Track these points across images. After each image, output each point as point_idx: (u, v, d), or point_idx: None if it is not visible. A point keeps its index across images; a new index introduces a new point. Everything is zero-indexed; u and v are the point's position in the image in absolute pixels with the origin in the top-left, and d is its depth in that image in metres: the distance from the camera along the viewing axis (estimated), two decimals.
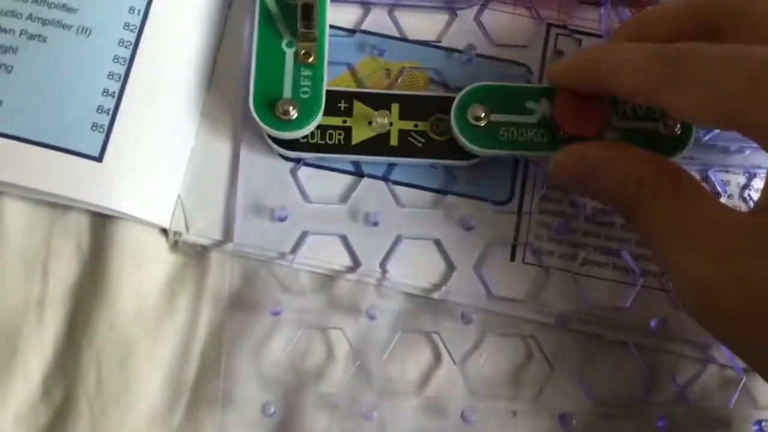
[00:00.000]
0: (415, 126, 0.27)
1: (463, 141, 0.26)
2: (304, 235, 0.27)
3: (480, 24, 0.29)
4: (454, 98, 0.26)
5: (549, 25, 0.29)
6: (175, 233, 0.27)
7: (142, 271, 0.27)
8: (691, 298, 0.21)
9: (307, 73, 0.26)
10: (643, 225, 0.22)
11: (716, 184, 0.28)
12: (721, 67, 0.20)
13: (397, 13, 0.29)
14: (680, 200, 0.22)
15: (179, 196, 0.27)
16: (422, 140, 0.27)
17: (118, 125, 0.26)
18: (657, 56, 0.22)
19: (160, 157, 0.27)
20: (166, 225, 0.27)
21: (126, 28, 0.27)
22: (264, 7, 0.27)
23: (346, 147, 0.26)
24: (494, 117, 0.26)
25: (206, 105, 0.28)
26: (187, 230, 0.27)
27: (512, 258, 0.27)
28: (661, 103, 0.22)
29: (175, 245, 0.27)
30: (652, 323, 0.26)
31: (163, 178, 0.27)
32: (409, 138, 0.27)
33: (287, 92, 0.26)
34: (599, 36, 0.29)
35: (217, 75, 0.28)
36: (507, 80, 0.28)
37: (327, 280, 0.27)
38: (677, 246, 0.21)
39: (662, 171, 0.23)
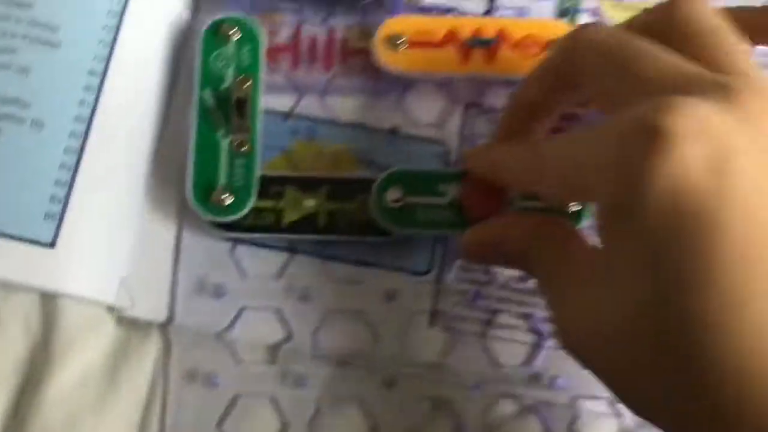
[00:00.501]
0: (342, 207, 0.29)
1: (382, 221, 0.28)
2: (241, 311, 0.29)
3: (402, 107, 0.31)
4: (375, 180, 0.29)
5: (466, 105, 0.32)
6: (120, 310, 0.29)
7: (88, 347, 0.29)
8: (559, 333, 0.23)
9: (241, 161, 0.29)
10: (537, 278, 0.25)
11: None
12: (565, 156, 0.23)
13: (328, 98, 0.31)
14: (560, 253, 0.24)
15: (125, 276, 0.29)
16: (347, 220, 0.29)
17: (70, 213, 0.29)
18: (521, 157, 0.25)
19: (108, 240, 0.29)
20: (112, 302, 0.29)
21: (77, 120, 0.29)
22: (202, 101, 0.29)
23: (277, 227, 0.29)
24: (410, 199, 0.28)
25: (150, 190, 0.30)
26: (132, 307, 0.29)
27: (431, 324, 0.30)
28: (535, 192, 0.26)
29: (120, 321, 0.29)
30: (559, 382, 0.29)
31: (111, 259, 0.29)
32: (336, 218, 0.29)
33: (222, 180, 0.28)
34: None
35: (160, 163, 0.31)
36: (427, 158, 0.31)
37: (263, 351, 0.29)
38: (556, 289, 0.24)
39: (546, 229, 0.25)
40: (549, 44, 0.30)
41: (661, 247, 0.19)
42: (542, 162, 0.24)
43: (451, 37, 0.30)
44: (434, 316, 0.29)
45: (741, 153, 0.20)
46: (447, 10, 0.32)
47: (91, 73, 0.30)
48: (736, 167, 0.19)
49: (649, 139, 0.19)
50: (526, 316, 0.30)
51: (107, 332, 0.29)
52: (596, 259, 0.23)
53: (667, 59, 0.22)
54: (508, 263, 0.27)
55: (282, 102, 0.31)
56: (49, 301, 0.29)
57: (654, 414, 0.21)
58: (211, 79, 0.29)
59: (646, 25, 0.24)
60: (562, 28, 0.31)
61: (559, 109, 0.27)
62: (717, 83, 0.21)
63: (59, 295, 0.29)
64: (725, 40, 0.23)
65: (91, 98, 0.30)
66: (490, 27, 0.31)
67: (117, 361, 0.29)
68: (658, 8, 0.24)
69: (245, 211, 0.28)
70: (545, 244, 0.25)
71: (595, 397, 0.29)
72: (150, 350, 0.29)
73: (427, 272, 0.30)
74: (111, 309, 0.29)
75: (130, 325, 0.29)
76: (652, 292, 0.20)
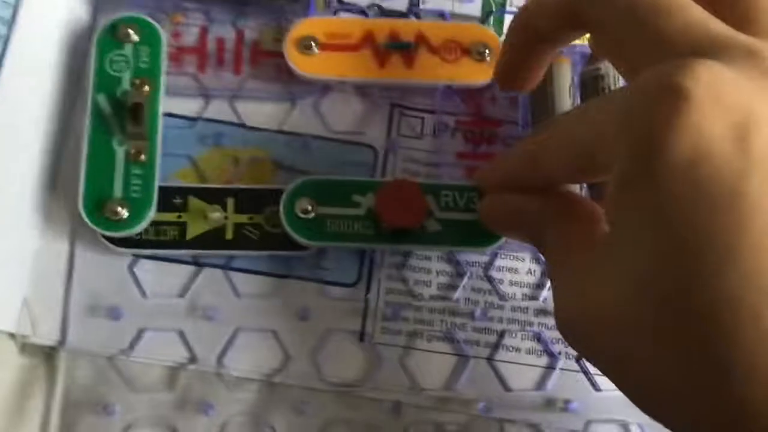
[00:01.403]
0: (250, 219, 0.27)
1: (292, 234, 0.27)
2: (140, 332, 0.27)
3: (320, 111, 0.29)
4: (284, 191, 0.27)
5: (392, 106, 0.30)
6: (23, 337, 0.27)
7: None
8: (558, 319, 0.21)
9: (138, 171, 0.27)
10: (546, 258, 0.24)
11: None
12: (572, 122, 0.22)
13: (238, 103, 0.29)
14: (569, 232, 0.23)
15: (25, 299, 0.27)
16: (257, 233, 0.27)
17: None
18: (528, 142, 0.24)
19: (4, 263, 0.27)
20: (12, 329, 0.27)
21: None
22: (96, 106, 0.27)
23: (181, 242, 0.27)
24: (322, 210, 0.27)
25: (50, 207, 0.28)
26: (34, 333, 0.27)
27: (361, 339, 0.28)
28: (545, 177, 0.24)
29: (24, 348, 0.27)
30: (480, 406, 0.27)
31: (8, 283, 0.27)
32: (244, 231, 0.27)
33: (118, 191, 0.26)
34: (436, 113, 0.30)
35: (62, 176, 0.28)
36: (352, 164, 0.29)
37: (165, 376, 0.27)
38: (560, 270, 0.22)
39: (559, 207, 0.24)
40: (468, 48, 0.29)
41: (677, 218, 0.18)
42: (553, 138, 0.23)
43: (367, 39, 0.29)
44: (358, 333, 0.28)
45: (763, 118, 0.18)
46: (366, 9, 0.31)
47: None
48: (761, 138, 0.18)
49: (670, 100, 0.18)
50: (449, 338, 0.28)
51: (10, 360, 0.27)
52: (603, 239, 0.21)
53: (693, 15, 0.20)
54: (525, 237, 0.25)
55: (188, 107, 0.29)
56: None
57: (664, 410, 0.19)
58: (106, 82, 0.27)
59: None
60: (482, 32, 0.29)
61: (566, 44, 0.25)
62: (745, 48, 0.19)
63: None
64: None
65: None
66: (408, 30, 0.29)
67: (23, 389, 0.27)
68: None
69: (143, 225, 0.26)
70: (560, 221, 0.23)
71: (513, 421, 0.27)
72: (54, 376, 0.27)
73: (355, 284, 0.28)
74: (12, 336, 0.27)
75: (33, 351, 0.27)
76: (665, 268, 0.18)
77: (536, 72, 0.26)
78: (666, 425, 0.19)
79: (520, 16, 0.25)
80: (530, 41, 0.25)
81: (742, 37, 0.20)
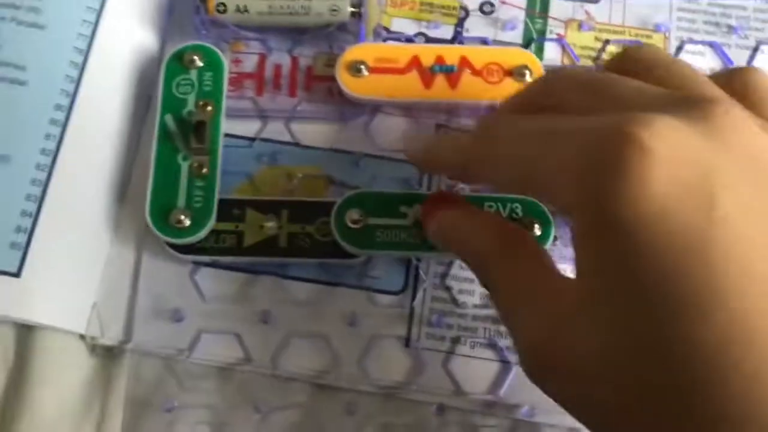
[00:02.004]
0: (303, 229, 0.29)
1: (342, 242, 0.28)
2: (199, 334, 0.29)
3: (369, 131, 0.31)
4: (335, 203, 0.29)
5: (437, 126, 0.32)
6: (92, 338, 0.29)
7: (63, 377, 0.28)
8: (526, 360, 0.22)
9: (200, 184, 0.29)
10: (493, 294, 0.24)
11: None
12: (523, 145, 0.22)
13: (293, 124, 0.31)
14: (520, 268, 0.23)
15: (95, 303, 0.29)
16: (309, 242, 0.29)
17: (36, 242, 0.28)
18: (469, 140, 0.25)
19: (76, 269, 0.29)
20: (82, 331, 0.29)
21: (42, 153, 0.30)
22: (163, 125, 0.29)
23: (238, 249, 0.29)
24: (371, 220, 0.28)
25: (120, 218, 0.30)
26: (103, 335, 0.29)
27: (407, 345, 0.29)
28: (480, 182, 0.24)
29: (93, 350, 0.29)
30: (523, 410, 0.28)
31: (79, 287, 0.29)
32: (297, 240, 0.29)
33: (181, 202, 0.28)
34: None
35: (131, 189, 0.31)
36: (398, 181, 0.31)
37: (221, 376, 0.29)
38: (520, 320, 0.22)
39: (507, 238, 0.24)
40: (510, 70, 0.31)
41: (651, 270, 0.18)
42: (494, 147, 0.23)
43: (414, 63, 0.31)
44: (404, 338, 0.29)
45: (723, 173, 0.19)
46: (413, 37, 0.33)
47: (57, 107, 0.30)
48: (723, 191, 0.18)
49: (635, 155, 0.18)
50: (492, 345, 0.29)
51: (81, 361, 0.29)
52: (574, 288, 0.21)
53: (641, 84, 0.22)
54: (467, 263, 0.26)
55: (247, 128, 0.31)
56: (24, 332, 0.29)
57: None
58: (172, 104, 0.30)
59: (615, 67, 0.24)
60: (523, 55, 0.31)
61: None
62: (692, 102, 0.20)
63: (34, 325, 0.28)
64: (688, 69, 0.23)
65: (57, 132, 0.30)
66: (452, 54, 0.31)
67: (91, 389, 0.29)
68: (621, 53, 0.25)
69: (204, 233, 0.28)
70: (509, 255, 0.24)
71: (554, 426, 0.28)
72: (120, 377, 0.29)
73: (401, 292, 0.29)
74: (83, 337, 0.29)
75: (102, 352, 0.29)
76: (644, 321, 0.18)
77: None
78: None
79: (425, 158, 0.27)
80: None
81: (687, 95, 0.21)
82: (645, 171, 0.18)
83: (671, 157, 0.18)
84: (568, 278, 0.22)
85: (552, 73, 0.25)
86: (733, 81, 0.23)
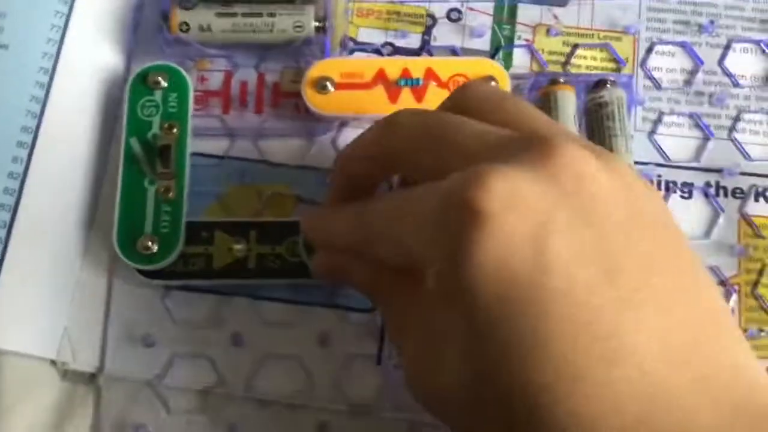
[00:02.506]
0: (272, 249, 0.29)
1: (310, 264, 0.28)
2: (172, 359, 0.29)
3: (336, 148, 0.31)
4: None
5: None
6: (63, 363, 0.29)
7: (34, 402, 0.29)
8: (411, 390, 0.23)
9: (167, 208, 0.29)
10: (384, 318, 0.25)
11: None
12: (387, 222, 0.23)
13: (261, 142, 0.31)
14: (402, 303, 0.24)
15: (65, 328, 0.29)
16: (278, 262, 0.29)
17: (5, 268, 0.29)
18: (348, 224, 0.25)
19: (46, 294, 0.29)
20: (53, 357, 0.29)
21: (10, 176, 0.30)
22: (128, 149, 0.29)
23: (208, 272, 0.29)
24: None
25: (89, 241, 0.30)
26: (74, 360, 0.29)
27: (378, 362, 0.29)
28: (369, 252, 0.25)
29: (65, 374, 0.29)
30: None
31: (50, 312, 0.29)
32: (266, 261, 0.29)
33: (149, 228, 0.28)
34: None
35: (100, 212, 0.30)
36: None
37: (196, 400, 0.29)
38: (401, 344, 0.24)
39: (383, 278, 0.25)
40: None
41: (487, 318, 0.19)
42: (369, 229, 0.24)
43: (379, 77, 0.31)
44: (375, 356, 0.29)
45: (556, 219, 0.20)
46: (380, 47, 0.32)
47: (24, 129, 0.30)
48: (555, 237, 0.19)
49: (468, 216, 0.20)
50: None
51: (53, 386, 0.29)
52: (431, 330, 0.22)
53: (477, 126, 0.23)
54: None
55: (215, 146, 0.31)
56: None
57: None
58: (137, 126, 0.29)
59: (450, 109, 0.25)
60: (490, 66, 0.31)
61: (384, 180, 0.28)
62: (527, 144, 0.21)
63: (2, 350, 0.28)
64: (521, 104, 0.24)
65: (23, 154, 0.30)
66: (418, 66, 0.31)
67: (63, 414, 0.29)
68: (454, 93, 0.26)
69: (172, 258, 0.28)
70: (380, 300, 0.25)
71: None
72: (91, 402, 0.29)
73: (371, 310, 0.29)
74: (54, 363, 0.29)
75: (75, 378, 0.29)
76: (481, 361, 0.20)
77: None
78: None
79: (337, 167, 0.28)
80: (353, 186, 0.27)
81: (522, 135, 0.22)
82: (483, 233, 0.19)
83: (507, 211, 0.19)
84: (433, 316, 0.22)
85: (387, 124, 0.25)
86: (457, 102, 0.24)
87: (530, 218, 0.19)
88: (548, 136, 0.21)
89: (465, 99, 0.25)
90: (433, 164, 0.23)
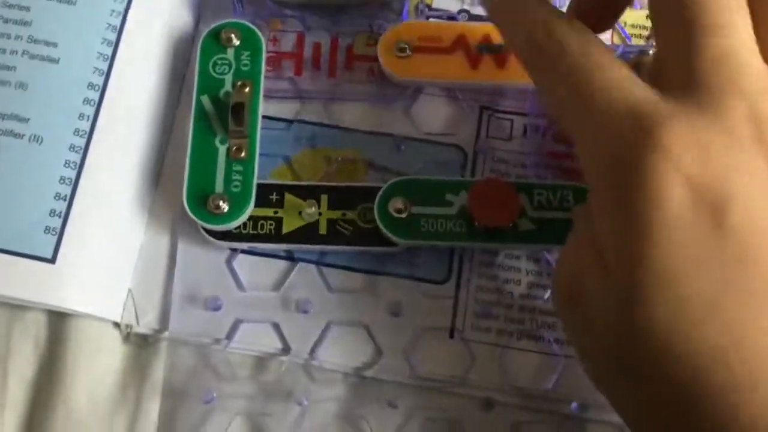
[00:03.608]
0: (343, 215, 0.28)
1: (385, 232, 0.27)
2: (237, 323, 0.28)
3: (411, 113, 0.30)
4: (379, 189, 0.28)
5: (481, 108, 0.30)
6: (127, 326, 0.28)
7: (96, 365, 0.28)
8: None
9: (238, 168, 0.28)
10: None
11: None
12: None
13: (333, 106, 0.30)
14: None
15: (130, 290, 0.28)
16: (350, 228, 0.28)
17: (70, 227, 0.28)
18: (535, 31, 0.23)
19: (111, 255, 0.28)
20: (117, 319, 0.28)
21: (76, 133, 0.29)
22: (199, 106, 0.28)
23: (277, 236, 0.28)
24: (415, 209, 0.27)
25: (154, 202, 0.29)
26: (138, 323, 0.28)
27: (451, 336, 0.28)
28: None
29: (128, 337, 0.28)
30: (573, 406, 0.27)
31: (114, 274, 0.28)
32: (338, 227, 0.28)
33: (219, 187, 0.27)
34: (527, 115, 0.30)
35: (166, 172, 0.30)
36: (441, 165, 0.29)
37: (260, 366, 0.28)
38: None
39: None
40: None
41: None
42: (552, 54, 0.22)
43: (459, 43, 0.29)
44: (453, 328, 0.28)
45: (738, 176, 0.19)
46: (456, 15, 0.31)
47: (91, 86, 0.29)
48: (735, 196, 0.19)
49: (651, 155, 0.19)
50: (539, 337, 0.28)
51: (115, 349, 0.28)
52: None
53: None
54: None
55: (285, 109, 0.30)
56: (56, 319, 0.28)
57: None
58: (209, 84, 0.28)
59: None
60: None
61: None
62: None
63: (66, 313, 0.28)
64: None
65: (90, 112, 0.29)
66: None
67: (125, 377, 0.28)
68: None
69: (242, 219, 0.27)
70: None
71: (604, 422, 0.27)
72: (154, 365, 0.28)
73: (445, 281, 0.28)
74: (117, 324, 0.28)
75: (136, 340, 0.28)
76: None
77: None
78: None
79: None
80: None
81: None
82: (664, 177, 0.19)
83: (688, 159, 0.19)
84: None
85: None
86: None
87: (715, 170, 0.19)
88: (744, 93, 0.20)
89: None
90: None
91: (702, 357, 0.19)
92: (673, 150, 0.19)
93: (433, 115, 0.30)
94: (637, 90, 0.20)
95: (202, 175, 0.28)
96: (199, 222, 0.27)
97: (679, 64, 0.20)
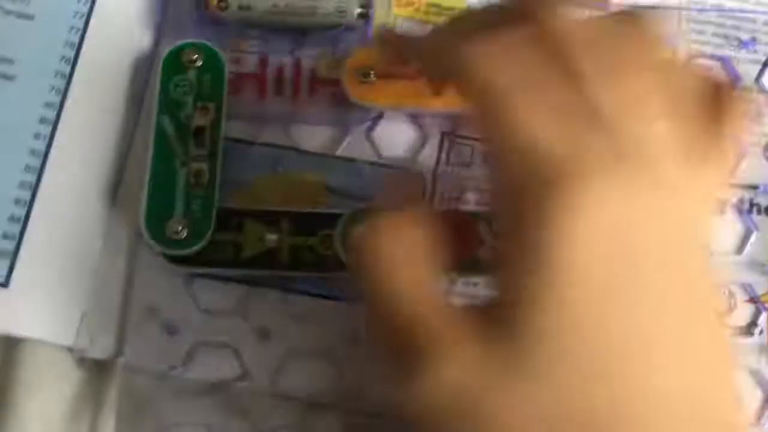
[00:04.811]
0: (305, 241, 0.28)
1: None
2: (195, 348, 0.27)
3: (373, 137, 0.30)
4: (340, 215, 0.28)
5: (443, 134, 0.31)
6: (81, 351, 0.28)
7: (49, 390, 0.27)
8: None
9: (199, 192, 0.27)
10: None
11: None
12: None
13: (294, 128, 0.30)
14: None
15: (84, 314, 0.28)
16: (312, 255, 0.28)
17: (24, 250, 0.27)
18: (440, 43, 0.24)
19: (66, 278, 0.28)
20: (70, 344, 0.27)
21: (31, 154, 0.28)
22: (160, 127, 0.28)
23: (236, 261, 0.27)
24: None
25: (111, 223, 0.29)
26: (92, 347, 0.28)
27: None
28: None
29: (82, 362, 0.28)
30: None
31: (68, 298, 0.28)
32: (299, 253, 0.28)
33: (179, 211, 0.27)
34: None
35: (123, 194, 0.29)
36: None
37: (218, 391, 0.27)
38: None
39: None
40: None
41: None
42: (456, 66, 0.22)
43: None
44: None
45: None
46: None
47: (48, 105, 0.29)
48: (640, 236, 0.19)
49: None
50: None
51: (68, 374, 0.28)
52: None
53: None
54: None
55: (246, 131, 0.30)
56: (8, 344, 0.27)
57: None
58: (170, 105, 0.28)
59: None
60: None
61: None
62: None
63: (17, 339, 0.27)
64: None
65: (46, 131, 0.29)
66: None
67: (78, 403, 0.27)
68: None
69: (201, 244, 0.27)
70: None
71: None
72: (108, 391, 0.28)
73: None
74: (70, 350, 0.28)
75: (93, 366, 0.28)
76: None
77: None
78: None
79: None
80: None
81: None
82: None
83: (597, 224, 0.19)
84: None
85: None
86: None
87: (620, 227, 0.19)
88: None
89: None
90: None
91: None
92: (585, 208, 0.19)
93: (394, 140, 0.30)
94: None
95: (162, 198, 0.27)
96: (158, 247, 0.27)
97: None
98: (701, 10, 0.34)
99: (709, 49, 0.33)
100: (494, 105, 0.20)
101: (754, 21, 0.34)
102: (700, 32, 0.33)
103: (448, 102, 0.29)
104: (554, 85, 0.20)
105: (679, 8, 0.33)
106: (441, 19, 0.32)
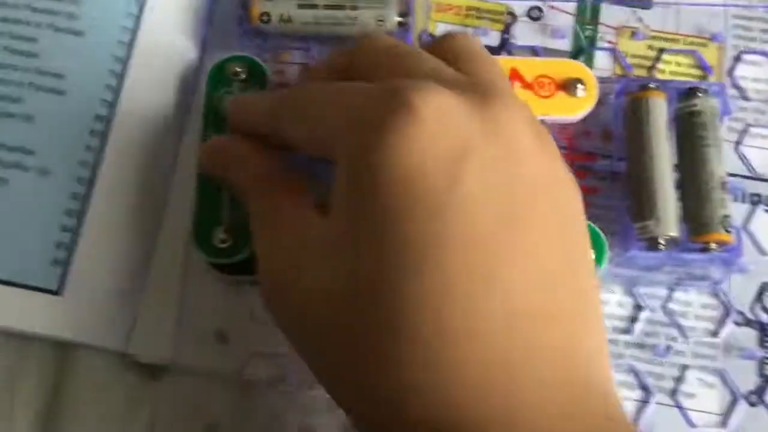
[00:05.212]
0: None
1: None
2: (247, 356, 0.28)
3: None
4: None
5: None
6: (132, 356, 0.28)
7: (102, 396, 0.28)
8: (264, 288, 0.24)
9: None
10: (250, 223, 0.25)
11: None
12: (314, 103, 0.24)
13: None
14: (273, 200, 0.25)
15: (136, 320, 0.28)
16: None
17: (77, 259, 0.28)
18: (278, 100, 0.26)
19: (118, 286, 0.29)
20: (123, 349, 0.28)
21: (82, 166, 0.29)
22: (206, 138, 0.28)
23: None
24: None
25: (161, 232, 0.29)
26: (144, 354, 0.28)
27: None
28: (282, 138, 0.25)
29: (135, 368, 0.28)
30: None
31: (121, 305, 0.28)
32: None
33: (225, 220, 0.28)
34: None
35: (172, 203, 0.30)
36: None
37: (266, 395, 0.28)
38: (264, 247, 0.24)
39: (272, 179, 0.26)
40: (562, 84, 0.30)
41: (389, 226, 0.20)
42: (294, 104, 0.25)
43: None
44: None
45: (478, 153, 0.20)
46: None
47: (97, 118, 0.30)
48: (471, 166, 0.20)
49: (396, 107, 0.20)
50: None
51: (120, 379, 0.28)
52: (320, 227, 0.22)
53: (432, 59, 0.24)
54: (235, 190, 0.27)
55: None
56: (63, 350, 0.28)
57: (343, 389, 0.22)
58: (216, 118, 0.29)
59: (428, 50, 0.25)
60: (576, 68, 0.30)
61: None
62: (476, 86, 0.22)
63: (73, 344, 0.28)
64: (491, 60, 0.25)
65: (97, 143, 0.29)
66: (503, 66, 0.30)
67: (130, 408, 0.28)
68: (437, 38, 0.27)
69: (247, 252, 0.27)
70: (264, 188, 0.25)
71: None
72: (160, 397, 0.28)
73: None
74: (123, 356, 0.28)
75: (145, 372, 0.28)
76: (370, 269, 0.20)
77: None
78: (340, 404, 0.22)
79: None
80: None
81: (472, 78, 0.23)
82: (407, 128, 0.20)
83: (436, 123, 0.20)
84: (319, 218, 0.23)
85: (358, 42, 0.26)
86: (442, 49, 0.25)
87: (456, 140, 0.20)
88: (499, 88, 0.22)
89: (444, 48, 0.25)
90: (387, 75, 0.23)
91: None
92: (421, 110, 0.20)
93: None
94: None
95: (208, 208, 0.28)
96: (205, 257, 0.27)
97: None
98: (748, 6, 0.33)
99: (756, 46, 0.33)
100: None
101: None
102: (747, 29, 0.33)
103: None
104: None
105: (725, 5, 0.33)
106: (481, 23, 0.32)
